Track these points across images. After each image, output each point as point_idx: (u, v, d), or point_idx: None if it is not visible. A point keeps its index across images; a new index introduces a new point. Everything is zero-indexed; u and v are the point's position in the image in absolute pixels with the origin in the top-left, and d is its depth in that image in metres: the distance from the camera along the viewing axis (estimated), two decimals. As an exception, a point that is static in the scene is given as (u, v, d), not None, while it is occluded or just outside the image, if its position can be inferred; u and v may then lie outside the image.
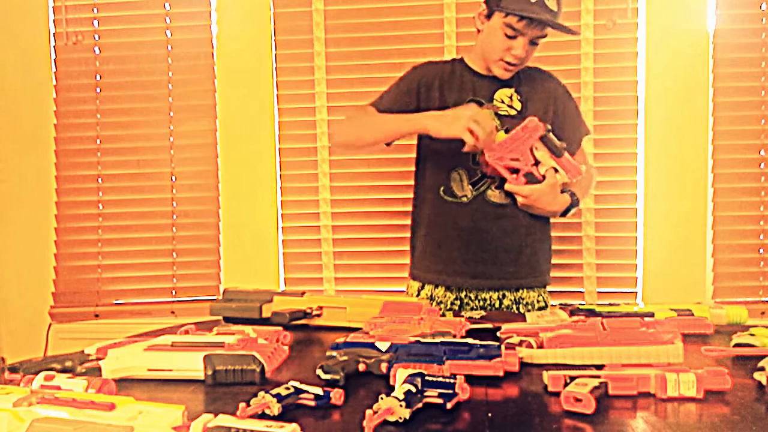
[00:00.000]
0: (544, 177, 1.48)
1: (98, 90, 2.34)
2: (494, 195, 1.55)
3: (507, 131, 1.52)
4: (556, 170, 1.49)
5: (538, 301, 1.61)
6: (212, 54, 2.30)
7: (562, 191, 1.53)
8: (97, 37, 2.33)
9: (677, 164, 2.14)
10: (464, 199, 1.56)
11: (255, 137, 2.30)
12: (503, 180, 1.51)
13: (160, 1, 2.30)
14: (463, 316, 1.26)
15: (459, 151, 1.46)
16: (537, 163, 1.49)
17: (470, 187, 1.56)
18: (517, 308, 1.58)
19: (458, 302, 1.59)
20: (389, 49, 2.22)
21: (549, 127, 1.47)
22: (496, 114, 1.56)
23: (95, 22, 2.33)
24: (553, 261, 2.12)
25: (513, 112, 1.56)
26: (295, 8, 2.25)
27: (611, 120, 2.16)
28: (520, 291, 1.59)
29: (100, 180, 2.35)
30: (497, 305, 1.57)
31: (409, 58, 2.04)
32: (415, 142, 1.68)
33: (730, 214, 2.13)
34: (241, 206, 2.32)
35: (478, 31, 1.56)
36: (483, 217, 1.55)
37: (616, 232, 2.19)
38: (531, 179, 1.49)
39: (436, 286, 1.60)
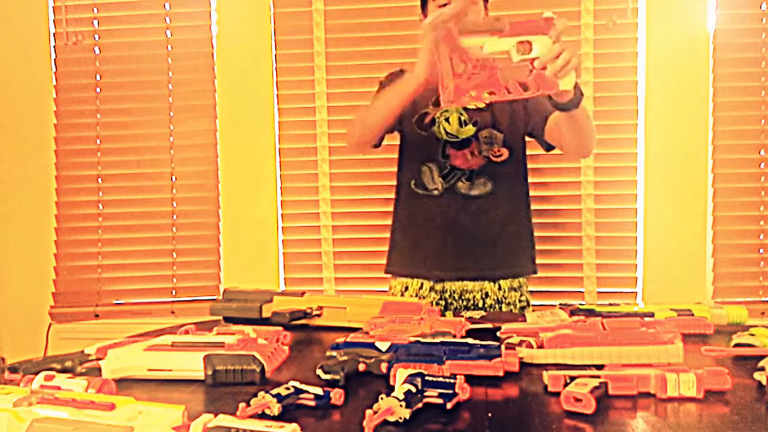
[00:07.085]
0: (534, 61, 1.12)
1: (98, 90, 2.34)
2: (464, 187, 1.55)
3: (476, 124, 1.54)
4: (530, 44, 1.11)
5: (520, 301, 1.61)
6: (212, 54, 2.30)
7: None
8: (97, 37, 2.33)
9: (677, 164, 2.14)
10: (435, 192, 1.57)
11: (255, 137, 2.30)
12: (473, 172, 1.53)
13: (160, 1, 2.30)
14: (463, 316, 1.26)
15: (429, 144, 1.49)
16: (526, 88, 1.13)
17: (441, 179, 1.57)
18: (499, 307, 1.58)
19: (439, 296, 1.58)
20: (389, 49, 2.22)
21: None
22: (465, 108, 1.56)
23: (95, 22, 2.33)
24: (554, 261, 2.16)
25: (482, 105, 1.53)
26: (295, 8, 2.26)
27: (611, 120, 2.16)
28: (503, 282, 1.58)
29: (100, 180, 2.35)
30: (479, 298, 1.57)
31: (409, 58, 2.03)
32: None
33: (730, 214, 2.13)
34: (241, 206, 2.32)
35: None
36: (454, 210, 1.56)
37: (616, 232, 2.18)
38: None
39: (422, 286, 1.60)
